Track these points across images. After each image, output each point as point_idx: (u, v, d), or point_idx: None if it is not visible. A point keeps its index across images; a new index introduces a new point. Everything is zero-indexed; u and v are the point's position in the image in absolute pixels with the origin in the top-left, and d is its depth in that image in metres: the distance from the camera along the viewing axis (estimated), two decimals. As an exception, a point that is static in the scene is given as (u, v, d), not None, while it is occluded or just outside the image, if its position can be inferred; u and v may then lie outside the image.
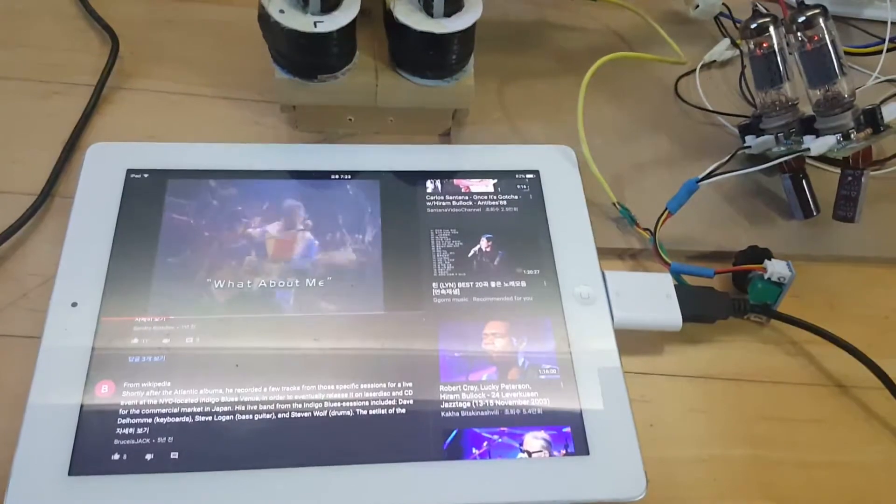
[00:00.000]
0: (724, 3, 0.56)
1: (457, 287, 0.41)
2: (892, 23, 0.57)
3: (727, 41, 0.56)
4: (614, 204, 0.46)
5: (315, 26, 0.42)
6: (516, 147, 0.48)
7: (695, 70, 0.55)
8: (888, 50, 0.56)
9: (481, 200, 0.45)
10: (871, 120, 0.42)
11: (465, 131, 0.50)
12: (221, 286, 0.39)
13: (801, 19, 0.43)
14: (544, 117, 0.51)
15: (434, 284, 0.41)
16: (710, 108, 0.52)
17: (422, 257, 0.42)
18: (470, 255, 0.42)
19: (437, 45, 0.43)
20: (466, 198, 0.45)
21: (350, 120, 0.48)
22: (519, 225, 0.44)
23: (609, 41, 0.56)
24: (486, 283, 0.41)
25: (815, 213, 0.46)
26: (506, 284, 0.41)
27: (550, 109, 0.51)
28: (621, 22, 0.57)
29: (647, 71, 0.54)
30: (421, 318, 0.40)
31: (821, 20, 0.43)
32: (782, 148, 0.46)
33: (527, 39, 0.56)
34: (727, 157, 0.44)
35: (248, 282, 0.40)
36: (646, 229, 0.45)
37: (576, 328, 0.40)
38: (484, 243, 0.43)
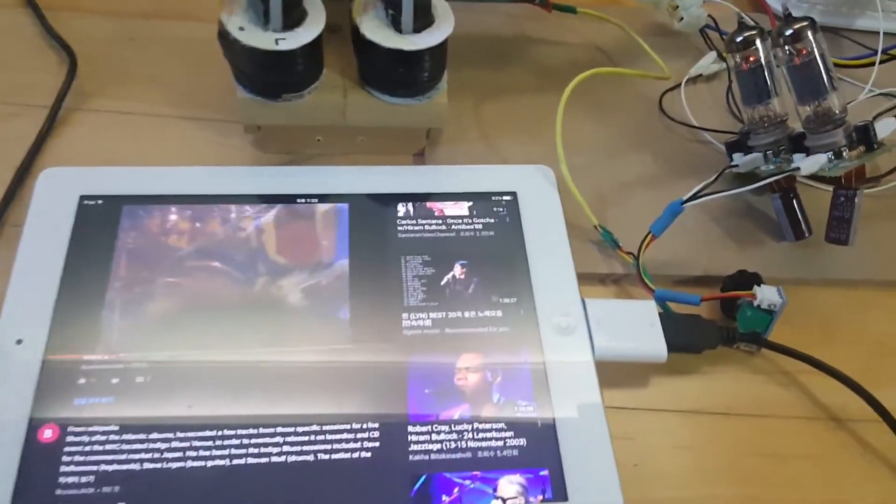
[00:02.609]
0: (709, 15, 0.54)
1: (428, 318, 0.39)
2: (884, 33, 0.55)
3: (713, 54, 0.54)
4: (595, 226, 0.44)
5: (277, 44, 0.39)
6: (492, 167, 0.45)
7: (680, 84, 0.53)
8: (881, 62, 0.54)
9: (455, 224, 0.42)
10: (864, 137, 0.40)
11: (440, 151, 0.47)
12: (176, 321, 0.37)
13: (788, 32, 0.41)
14: (523, 135, 0.49)
15: (404, 315, 0.38)
16: (696, 125, 0.50)
17: (392, 286, 0.39)
18: (443, 282, 0.40)
19: (407, 63, 0.41)
20: (440, 221, 0.42)
21: (319, 140, 0.46)
22: (495, 250, 0.42)
23: (591, 56, 0.54)
24: (459, 314, 0.39)
25: (806, 235, 0.44)
26: (480, 314, 0.39)
27: (529, 127, 0.49)
28: (604, 36, 0.55)
29: (630, 86, 0.52)
30: (389, 352, 0.37)
31: (809, 33, 0.41)
32: (771, 166, 0.44)
33: (505, 54, 0.53)
34: (713, 177, 0.42)
35: (206, 316, 0.37)
36: (629, 253, 0.43)
37: (554, 361, 0.38)
38: (458, 270, 0.40)
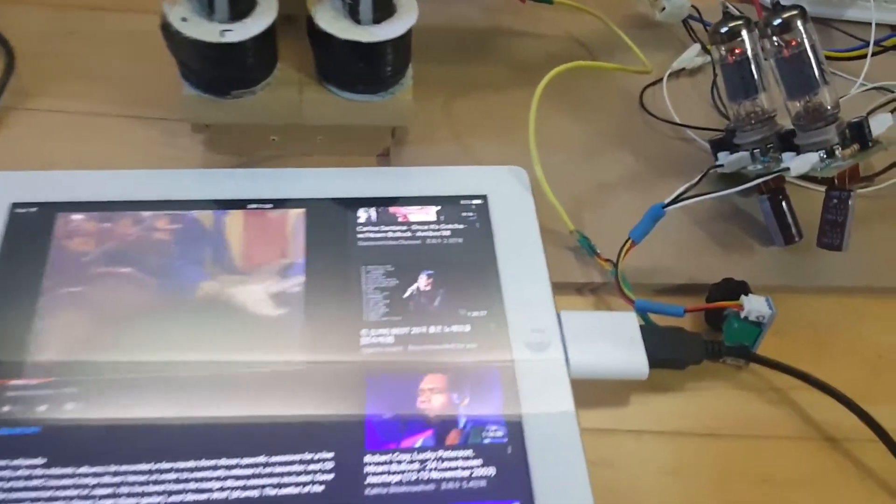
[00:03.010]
0: (692, 6, 0.51)
1: (390, 334, 0.35)
2: (876, 24, 0.52)
3: (697, 46, 0.51)
4: (572, 232, 0.41)
5: (222, 36, 0.36)
6: (461, 169, 0.42)
7: (662, 79, 0.50)
8: (873, 54, 0.51)
9: (421, 231, 0.39)
10: (858, 134, 0.37)
11: (407, 151, 0.44)
12: (113, 341, 0.34)
13: (776, 22, 0.38)
14: (496, 134, 0.45)
15: (363, 331, 0.35)
16: (679, 122, 0.47)
17: (350, 299, 0.36)
18: (406, 295, 0.37)
19: (366, 56, 0.38)
20: (404, 228, 0.39)
21: (273, 140, 0.43)
22: (463, 259, 0.38)
23: (569, 48, 0.51)
24: (423, 329, 0.36)
25: (797, 239, 0.41)
26: (447, 329, 0.36)
27: (503, 125, 0.46)
28: (582, 27, 0.52)
29: (609, 80, 0.49)
30: (346, 373, 0.34)
31: (799, 23, 0.38)
32: (759, 166, 0.41)
33: (479, 47, 0.50)
34: (697, 178, 0.39)
35: (146, 333, 0.34)
36: (607, 260, 0.40)
37: (526, 380, 0.34)
38: (423, 281, 0.37)
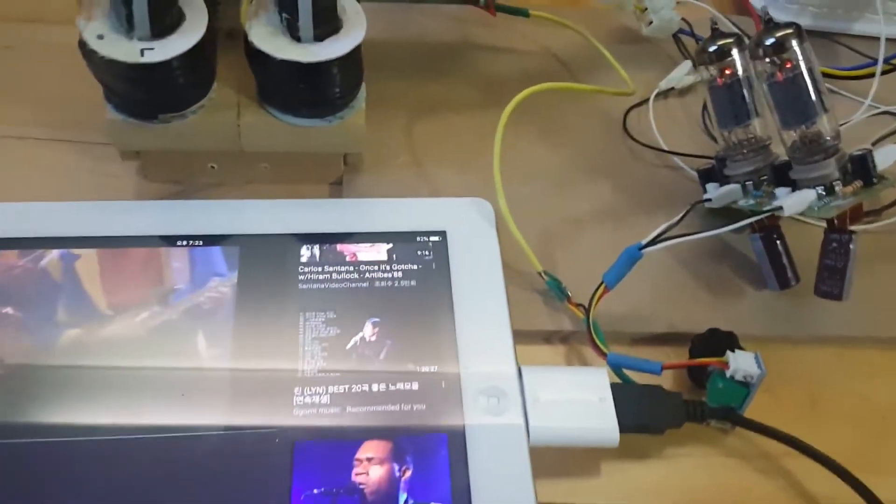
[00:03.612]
0: (683, 19, 0.47)
1: (326, 392, 0.31)
2: (886, 39, 0.47)
3: (688, 64, 0.46)
4: (540, 273, 0.36)
5: (142, 55, 0.32)
6: (419, 201, 0.38)
7: (648, 100, 0.45)
8: (882, 73, 0.47)
9: (371, 272, 0.35)
10: (861, 169, 0.33)
11: (361, 180, 0.40)
12: (11, 396, 0.30)
13: (768, 42, 0.34)
14: (461, 161, 0.41)
15: (297, 389, 0.31)
16: (666, 149, 0.43)
17: (285, 351, 0.32)
18: (349, 346, 0.33)
19: (308, 78, 0.34)
20: (351, 269, 0.35)
21: (212, 168, 0.38)
22: (416, 304, 0.34)
23: (546, 66, 0.47)
24: (365, 387, 0.32)
25: (793, 283, 0.37)
26: (392, 388, 0.32)
27: (469, 151, 0.42)
28: (562, 42, 0.48)
29: (590, 101, 0.45)
30: (273, 440, 0.30)
31: (794, 42, 0.33)
32: (751, 201, 0.36)
33: (446, 64, 0.46)
34: (679, 216, 0.35)
35: (46, 391, 0.30)
36: (579, 305, 0.35)
37: (479, 448, 0.30)
38: (368, 330, 0.33)
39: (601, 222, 0.40)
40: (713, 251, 0.39)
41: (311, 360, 0.32)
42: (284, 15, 0.33)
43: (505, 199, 0.36)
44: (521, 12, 0.45)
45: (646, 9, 0.45)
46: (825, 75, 0.48)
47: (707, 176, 0.39)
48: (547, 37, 0.48)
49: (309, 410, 0.31)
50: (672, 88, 0.46)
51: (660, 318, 0.37)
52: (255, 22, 0.34)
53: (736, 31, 0.37)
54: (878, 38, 0.47)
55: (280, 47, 0.33)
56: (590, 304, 0.34)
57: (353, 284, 0.35)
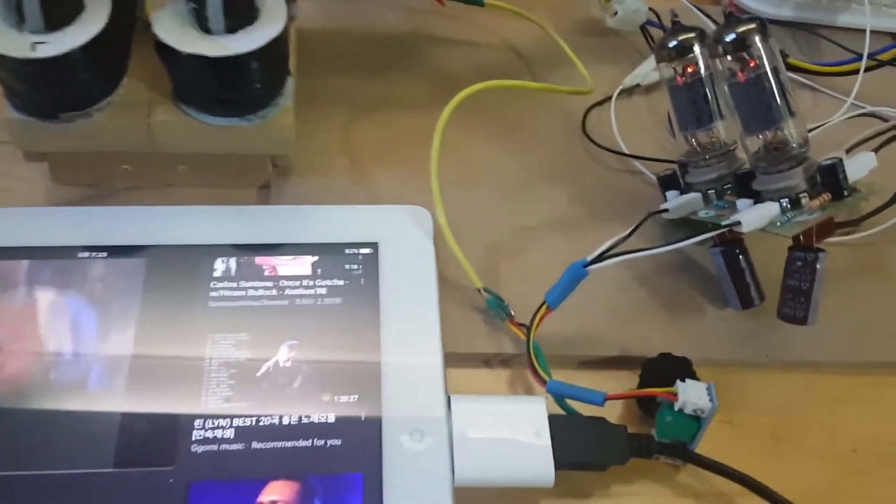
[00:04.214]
0: (651, 9, 0.43)
1: (230, 426, 0.28)
2: (872, 32, 0.44)
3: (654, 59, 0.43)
4: (480, 290, 0.33)
5: (34, 49, 0.29)
6: (350, 209, 0.35)
7: (610, 98, 0.42)
8: (867, 69, 0.43)
9: (291, 288, 0.32)
10: (831, 180, 0.30)
11: (292, 184, 0.37)
12: None
13: (729, 38, 0.30)
14: (405, 165, 0.38)
15: (197, 423, 0.28)
16: (626, 152, 0.40)
17: (187, 378, 0.29)
18: (260, 373, 0.30)
19: (221, 74, 0.31)
20: (269, 284, 0.32)
21: (126, 170, 0.35)
22: (339, 325, 0.31)
23: (502, 60, 0.44)
24: (275, 420, 0.28)
25: (756, 303, 0.33)
26: (304, 420, 0.29)
27: (415, 153, 0.38)
28: (522, 35, 0.45)
29: (547, 99, 0.41)
30: (166, 479, 0.27)
31: (757, 39, 0.30)
32: (711, 212, 0.33)
33: (394, 57, 0.43)
34: (629, 230, 0.31)
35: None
36: (521, 325, 0.32)
37: (396, 489, 0.27)
38: (284, 354, 0.30)
39: (553, 233, 0.37)
40: (672, 265, 0.36)
41: (216, 389, 0.29)
42: (192, 4, 0.30)
43: (448, 206, 0.33)
44: (476, 1, 0.42)
45: (610, -2, 0.42)
46: (806, 71, 0.45)
47: (668, 182, 0.36)
48: (507, 29, 0.44)
49: (209, 447, 0.28)
50: (637, 85, 0.43)
51: (611, 340, 0.33)
52: (161, 12, 0.31)
53: (699, 25, 0.34)
54: (864, 31, 0.44)
55: (187, 40, 0.30)
56: (530, 326, 0.31)
57: (271, 302, 0.31)
